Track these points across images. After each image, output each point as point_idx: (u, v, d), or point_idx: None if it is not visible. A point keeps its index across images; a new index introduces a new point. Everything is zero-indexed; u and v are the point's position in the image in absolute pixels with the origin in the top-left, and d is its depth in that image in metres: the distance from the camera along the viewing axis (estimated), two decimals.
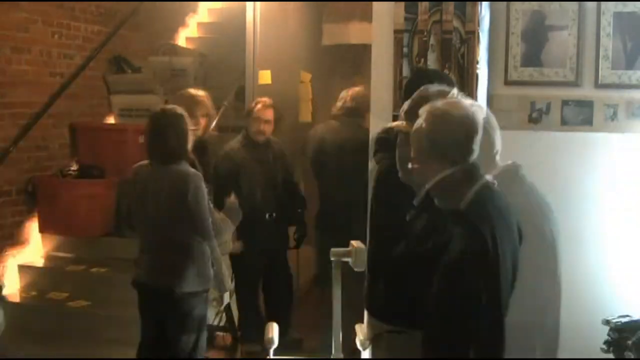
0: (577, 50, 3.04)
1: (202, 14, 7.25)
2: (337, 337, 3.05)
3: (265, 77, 4.74)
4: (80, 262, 4.84)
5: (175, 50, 6.31)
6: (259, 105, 4.25)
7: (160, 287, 3.11)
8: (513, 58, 3.10)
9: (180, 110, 3.15)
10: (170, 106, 3.24)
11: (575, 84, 3.05)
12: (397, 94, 3.14)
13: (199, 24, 7.15)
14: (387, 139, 2.40)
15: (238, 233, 3.94)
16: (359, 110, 4.21)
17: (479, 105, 2.05)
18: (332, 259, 2.95)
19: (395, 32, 3.14)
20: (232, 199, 3.41)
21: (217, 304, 4.06)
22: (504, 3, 3.09)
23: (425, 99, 2.10)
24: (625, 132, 3.02)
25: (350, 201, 3.97)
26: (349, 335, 3.04)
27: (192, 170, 3.12)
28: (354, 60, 6.55)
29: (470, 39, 3.01)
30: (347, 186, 4.03)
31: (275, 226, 4.32)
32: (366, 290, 2.46)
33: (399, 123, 2.25)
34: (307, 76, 5.65)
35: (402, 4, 3.11)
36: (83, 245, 4.94)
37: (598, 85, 3.03)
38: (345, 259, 2.93)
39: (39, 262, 4.98)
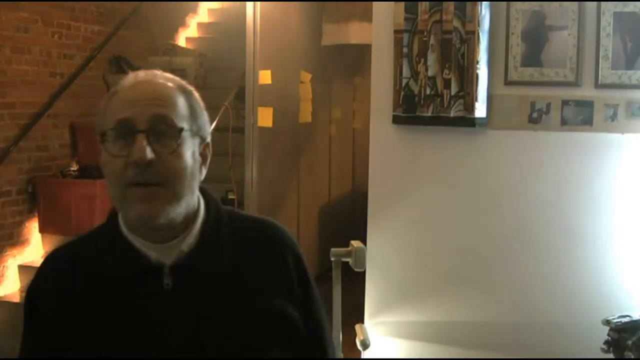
0: (577, 50, 3.03)
1: (202, 14, 7.26)
2: (337, 337, 3.05)
3: (265, 77, 4.74)
4: None
5: (175, 50, 6.31)
6: None
7: None
8: (513, 58, 3.09)
9: None
10: None
11: (575, 84, 3.04)
12: (397, 94, 3.15)
13: (199, 24, 7.15)
14: None
15: None
16: None
17: None
18: (332, 259, 2.95)
19: (395, 32, 3.14)
20: None
21: None
22: (504, 3, 3.08)
23: None
24: (625, 132, 3.01)
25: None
26: (349, 335, 3.04)
27: None
28: (354, 60, 6.56)
29: (470, 39, 3.02)
30: None
31: None
32: None
33: None
34: (307, 76, 5.65)
35: (402, 4, 3.11)
36: None
37: (598, 85, 3.02)
38: (345, 259, 2.93)
39: (39, 262, 4.97)
